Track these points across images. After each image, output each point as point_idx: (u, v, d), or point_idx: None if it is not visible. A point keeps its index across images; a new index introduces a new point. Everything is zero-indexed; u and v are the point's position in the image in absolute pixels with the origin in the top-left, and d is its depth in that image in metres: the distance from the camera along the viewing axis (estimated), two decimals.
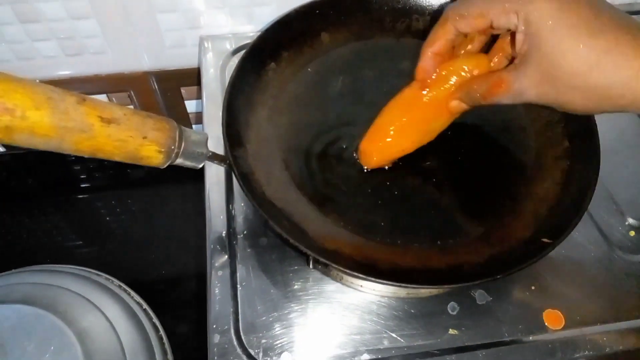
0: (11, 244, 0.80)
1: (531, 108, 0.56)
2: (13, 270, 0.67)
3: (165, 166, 0.42)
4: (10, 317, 0.56)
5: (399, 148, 0.51)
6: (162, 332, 0.65)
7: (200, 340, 0.50)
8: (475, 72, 0.47)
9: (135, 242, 0.81)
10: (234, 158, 0.47)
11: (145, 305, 0.67)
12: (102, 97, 0.75)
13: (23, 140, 0.34)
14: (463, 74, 0.47)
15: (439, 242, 0.48)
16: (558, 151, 0.52)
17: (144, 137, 0.39)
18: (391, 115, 0.51)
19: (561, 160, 0.51)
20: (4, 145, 0.81)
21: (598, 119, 0.52)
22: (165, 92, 0.75)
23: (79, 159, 0.85)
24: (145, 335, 0.63)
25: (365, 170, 0.52)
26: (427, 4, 0.62)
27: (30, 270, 0.66)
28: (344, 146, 0.53)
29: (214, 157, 0.45)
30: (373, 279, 0.42)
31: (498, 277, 0.42)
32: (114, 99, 0.75)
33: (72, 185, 0.86)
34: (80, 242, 0.81)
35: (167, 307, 0.70)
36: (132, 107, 0.74)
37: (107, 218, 0.84)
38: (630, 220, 0.56)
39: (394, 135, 0.50)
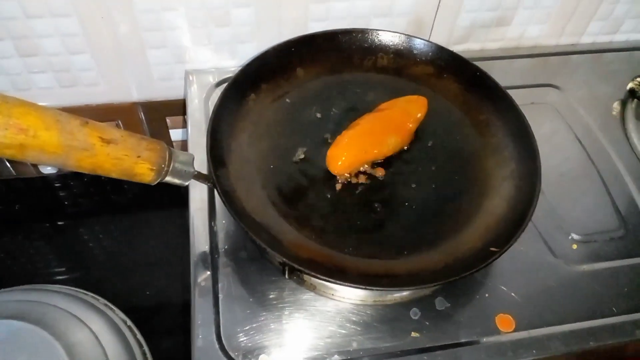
0: None
1: (483, 134, 0.63)
2: (2, 289, 0.69)
3: (155, 183, 0.47)
4: (1, 332, 0.59)
5: (361, 150, 0.58)
6: (145, 347, 0.68)
7: (181, 356, 0.54)
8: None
9: (119, 266, 0.84)
10: (217, 177, 0.52)
11: (129, 322, 0.70)
12: None
13: (34, 156, 0.39)
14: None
15: (400, 254, 0.53)
16: (505, 172, 0.59)
17: (138, 156, 0.44)
18: (353, 127, 0.59)
19: (508, 180, 0.58)
20: None
21: (543, 145, 0.59)
22: (151, 121, 0.80)
23: (65, 186, 0.89)
24: (129, 349, 0.66)
25: (335, 189, 0.58)
26: (391, 44, 0.69)
27: (20, 289, 0.69)
28: (316, 168, 0.59)
29: (199, 176, 0.50)
30: (342, 283, 0.47)
31: (450, 280, 0.47)
32: None
33: (57, 211, 0.89)
34: (66, 267, 0.83)
35: (151, 325, 0.73)
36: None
37: (92, 243, 0.86)
38: (574, 236, 0.62)
39: (356, 139, 0.58)
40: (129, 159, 0.44)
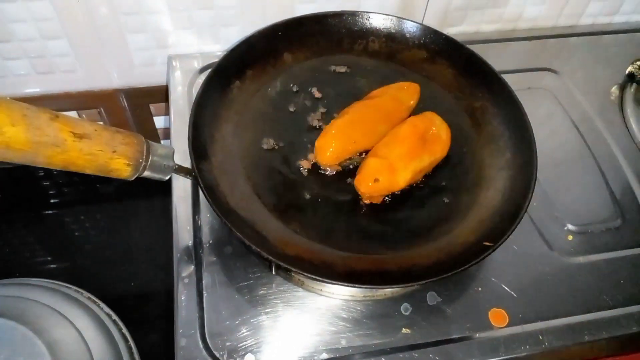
0: None
1: (477, 122, 0.61)
2: None
3: (133, 178, 0.45)
4: None
5: (350, 140, 0.56)
6: (131, 342, 0.67)
7: (168, 349, 0.52)
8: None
9: (104, 256, 0.82)
10: (199, 171, 0.50)
11: (114, 316, 0.68)
12: (73, 114, 0.76)
13: None
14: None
15: (391, 248, 0.51)
16: (501, 162, 0.57)
17: (114, 151, 0.42)
18: (342, 116, 0.57)
19: (503, 171, 0.56)
20: None
21: (539, 131, 0.57)
22: (134, 108, 0.78)
23: (49, 175, 0.87)
24: (114, 345, 0.64)
25: (324, 181, 0.56)
26: (383, 27, 0.66)
27: None
28: (303, 160, 0.57)
29: (180, 170, 0.48)
30: (330, 281, 0.45)
31: (443, 277, 0.45)
32: (84, 115, 0.77)
33: (41, 200, 0.87)
34: (50, 258, 0.82)
35: (137, 318, 0.71)
36: (102, 123, 0.76)
37: (76, 233, 0.84)
38: (569, 226, 0.60)
39: (345, 129, 0.56)
40: (103, 154, 0.42)
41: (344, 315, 0.52)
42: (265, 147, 0.57)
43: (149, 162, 0.44)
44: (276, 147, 0.58)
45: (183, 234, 0.56)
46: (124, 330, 0.67)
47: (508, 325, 0.52)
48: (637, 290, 0.56)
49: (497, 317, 0.53)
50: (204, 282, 0.53)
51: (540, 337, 0.52)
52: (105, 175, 0.43)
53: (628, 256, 0.58)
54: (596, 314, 0.54)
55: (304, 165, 0.56)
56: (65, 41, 0.66)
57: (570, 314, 0.54)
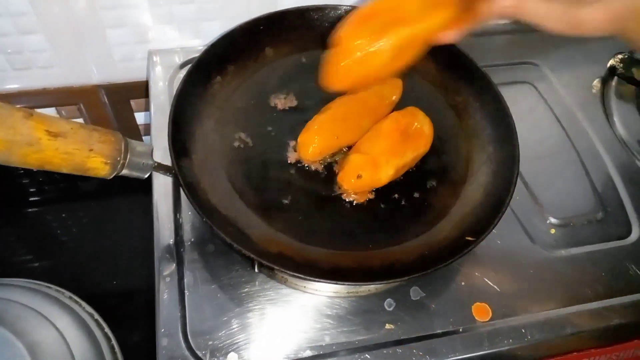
0: None
1: (460, 116, 0.61)
2: None
3: (111, 177, 0.44)
4: None
5: (333, 135, 0.55)
6: (114, 341, 0.66)
7: (151, 348, 0.52)
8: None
9: (85, 254, 0.81)
10: (180, 168, 0.49)
11: (96, 316, 0.67)
12: (52, 111, 0.75)
13: None
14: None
15: (374, 244, 0.51)
16: (483, 157, 0.57)
17: (90, 150, 0.41)
18: (325, 112, 0.56)
19: (485, 165, 0.56)
20: None
21: (522, 125, 0.57)
22: (115, 104, 0.76)
23: (28, 173, 0.85)
24: (96, 345, 0.64)
25: (306, 178, 0.55)
26: None
27: None
28: (285, 157, 0.56)
29: (160, 168, 0.47)
30: (314, 278, 0.45)
31: (426, 272, 0.45)
32: (63, 112, 0.75)
33: (21, 198, 0.85)
34: (30, 256, 0.80)
35: (119, 317, 0.71)
36: (81, 120, 0.75)
37: (57, 231, 0.83)
38: (552, 220, 0.61)
39: (328, 124, 0.55)
40: (80, 153, 0.41)
41: (328, 312, 0.52)
42: (246, 143, 0.57)
43: (127, 161, 0.44)
44: (257, 144, 0.57)
45: (164, 232, 0.55)
46: (107, 329, 0.66)
47: (491, 319, 0.52)
48: (618, 282, 0.56)
49: (481, 311, 0.53)
50: (185, 280, 0.52)
51: (523, 331, 0.52)
52: (82, 174, 0.42)
53: (609, 249, 0.59)
54: (578, 306, 0.54)
55: (290, 159, 0.56)
56: (42, 36, 0.64)
57: (553, 307, 0.54)
